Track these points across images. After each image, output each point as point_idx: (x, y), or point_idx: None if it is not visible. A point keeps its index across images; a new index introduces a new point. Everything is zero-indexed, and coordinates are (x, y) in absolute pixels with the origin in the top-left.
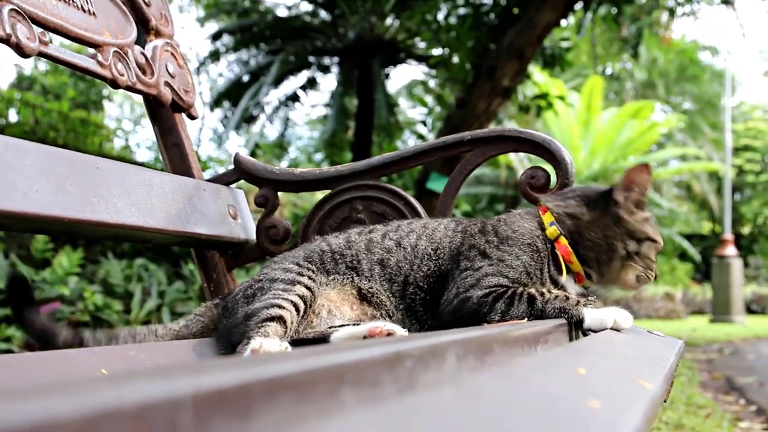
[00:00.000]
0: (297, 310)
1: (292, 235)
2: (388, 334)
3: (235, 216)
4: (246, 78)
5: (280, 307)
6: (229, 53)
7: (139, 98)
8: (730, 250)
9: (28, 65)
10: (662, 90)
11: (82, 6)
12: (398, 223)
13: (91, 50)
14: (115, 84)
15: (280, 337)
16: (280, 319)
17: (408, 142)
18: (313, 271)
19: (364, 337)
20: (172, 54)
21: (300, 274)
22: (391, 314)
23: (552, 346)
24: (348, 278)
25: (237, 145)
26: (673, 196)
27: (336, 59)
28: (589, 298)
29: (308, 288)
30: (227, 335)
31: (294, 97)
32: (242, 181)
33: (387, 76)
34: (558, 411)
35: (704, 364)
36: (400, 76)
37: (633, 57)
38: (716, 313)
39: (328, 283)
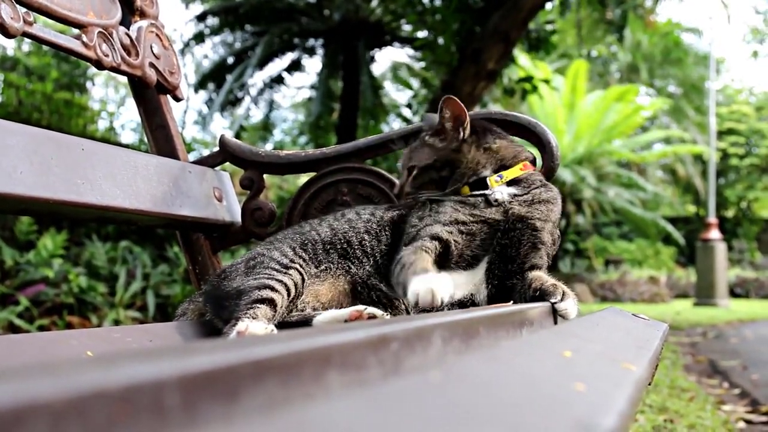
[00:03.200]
0: (288, 293)
1: (278, 218)
2: (370, 318)
3: (221, 198)
4: (231, 60)
5: (272, 289)
6: (214, 35)
7: (123, 79)
8: (714, 234)
9: (10, 45)
10: (646, 73)
11: None
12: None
13: (76, 31)
14: (99, 65)
15: (268, 320)
16: (271, 302)
17: (393, 125)
18: (304, 260)
19: (346, 321)
20: (157, 35)
21: (293, 261)
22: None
23: (537, 329)
24: (342, 269)
25: (221, 127)
26: (657, 179)
27: (321, 41)
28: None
29: (300, 275)
30: (218, 303)
31: (279, 79)
32: (227, 163)
33: (372, 58)
34: (544, 394)
35: (688, 348)
36: (386, 59)
37: (618, 40)
38: (700, 297)
39: (318, 275)
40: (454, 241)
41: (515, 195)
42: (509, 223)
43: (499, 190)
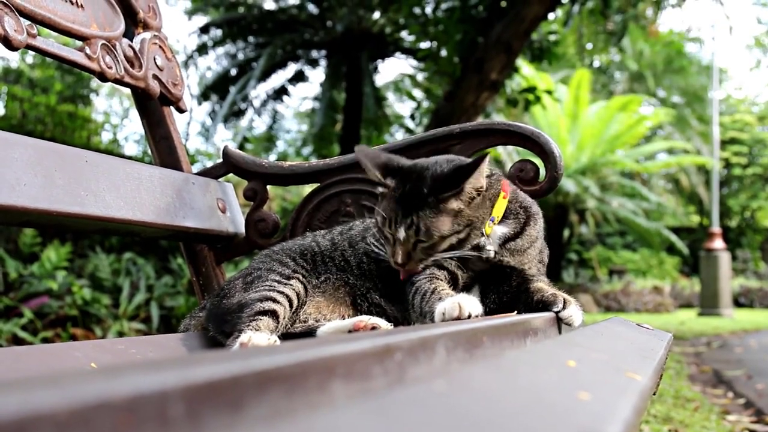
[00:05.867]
0: (291, 305)
1: (281, 229)
2: (373, 328)
3: (224, 209)
4: (234, 71)
5: (274, 300)
6: (217, 46)
7: (127, 91)
8: (718, 243)
9: (14, 58)
10: (649, 83)
11: None
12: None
13: (79, 43)
14: (103, 77)
15: (271, 331)
16: (273, 314)
17: (396, 136)
18: (306, 270)
19: (349, 331)
20: (160, 47)
21: (295, 271)
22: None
23: (541, 339)
24: (342, 281)
25: (225, 138)
26: (661, 189)
27: (324, 52)
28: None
29: (303, 285)
30: (220, 319)
31: (282, 91)
32: (231, 174)
33: (375, 69)
34: (548, 403)
35: (692, 358)
36: (389, 70)
37: (615, 45)
38: (704, 307)
39: (318, 285)
40: (460, 273)
41: (507, 239)
42: (499, 268)
43: (492, 239)
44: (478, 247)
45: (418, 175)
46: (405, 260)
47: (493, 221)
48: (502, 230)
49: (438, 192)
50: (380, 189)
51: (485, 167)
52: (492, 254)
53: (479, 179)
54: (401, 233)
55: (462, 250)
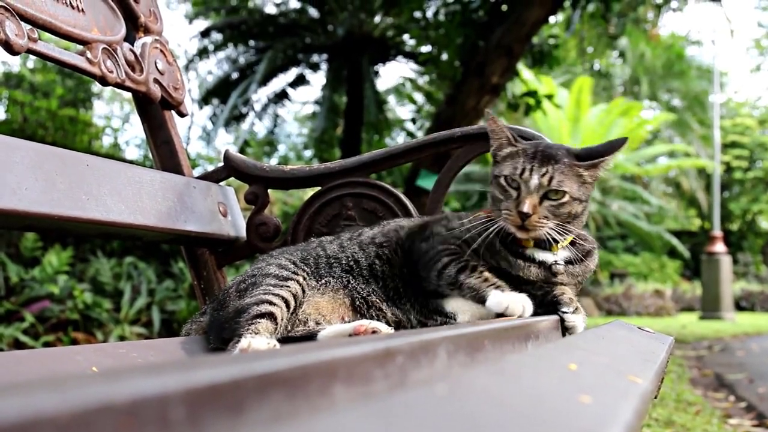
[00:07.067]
0: (288, 306)
1: (282, 233)
2: (374, 332)
3: (225, 213)
4: (235, 75)
5: (270, 303)
6: (218, 50)
7: (128, 95)
8: (719, 247)
9: (15, 62)
10: (648, 86)
11: (70, 2)
12: (382, 224)
13: (80, 47)
14: (104, 81)
15: (270, 334)
16: (271, 316)
17: (397, 140)
18: (307, 273)
19: (350, 335)
20: (161, 51)
21: (294, 273)
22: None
23: (543, 342)
24: (342, 283)
25: (226, 142)
26: (662, 193)
27: (325, 56)
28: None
29: (301, 286)
30: (218, 328)
31: (283, 94)
32: (232, 178)
33: (376, 73)
34: (549, 407)
35: (694, 361)
36: (390, 74)
37: (609, 47)
38: (706, 310)
39: (318, 287)
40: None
41: (568, 262)
42: (548, 284)
43: (560, 257)
44: (548, 263)
45: (548, 144)
46: (531, 210)
47: (564, 240)
48: (566, 253)
49: (576, 158)
50: (506, 150)
51: (621, 151)
52: (561, 268)
53: (611, 161)
54: (534, 180)
55: (571, 225)
